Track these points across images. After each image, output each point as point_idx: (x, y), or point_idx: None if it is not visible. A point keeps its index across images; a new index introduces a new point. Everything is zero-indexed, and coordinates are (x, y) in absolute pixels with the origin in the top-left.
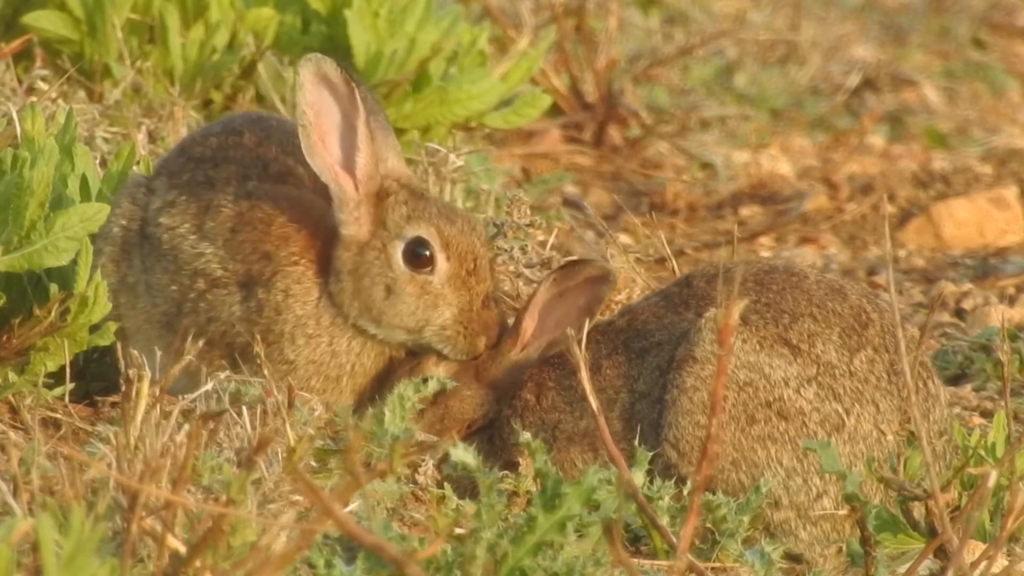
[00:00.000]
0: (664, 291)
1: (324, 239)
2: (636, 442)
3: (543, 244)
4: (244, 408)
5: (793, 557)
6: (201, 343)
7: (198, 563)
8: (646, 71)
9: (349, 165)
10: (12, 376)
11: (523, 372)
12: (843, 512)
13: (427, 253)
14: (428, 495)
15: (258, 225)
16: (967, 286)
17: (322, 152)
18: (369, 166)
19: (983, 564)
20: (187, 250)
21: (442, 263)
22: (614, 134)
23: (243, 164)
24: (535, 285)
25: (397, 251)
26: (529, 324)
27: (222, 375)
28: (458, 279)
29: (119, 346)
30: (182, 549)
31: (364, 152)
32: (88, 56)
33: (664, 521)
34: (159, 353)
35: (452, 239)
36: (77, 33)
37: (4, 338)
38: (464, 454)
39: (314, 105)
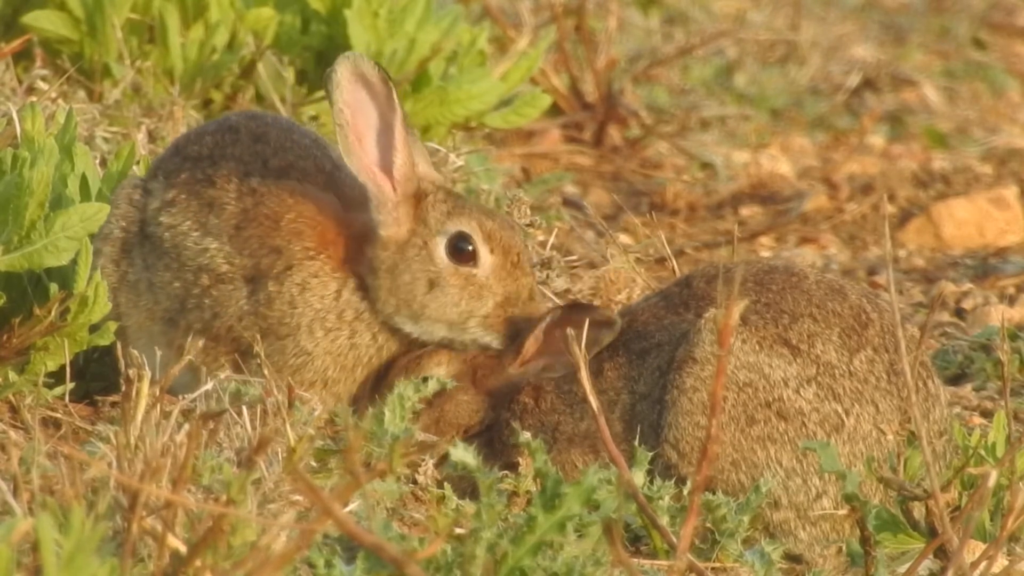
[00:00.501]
0: (664, 292)
1: (340, 234)
2: (636, 443)
3: (543, 244)
4: (244, 408)
5: (793, 557)
6: (204, 342)
7: (198, 563)
8: (646, 71)
9: (386, 166)
10: (12, 376)
11: (517, 387)
12: (843, 512)
13: (470, 247)
14: (428, 495)
15: (264, 221)
16: (967, 286)
17: (359, 152)
18: (406, 167)
19: (983, 564)
20: (190, 247)
21: (485, 256)
22: (614, 134)
23: (242, 160)
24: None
25: (439, 246)
26: (532, 344)
27: (222, 375)
28: (503, 271)
29: (119, 346)
30: (182, 549)
31: (402, 152)
32: (88, 56)
33: (664, 521)
34: (159, 353)
35: (494, 232)
36: (77, 33)
37: (4, 338)
38: (464, 454)
39: (351, 104)
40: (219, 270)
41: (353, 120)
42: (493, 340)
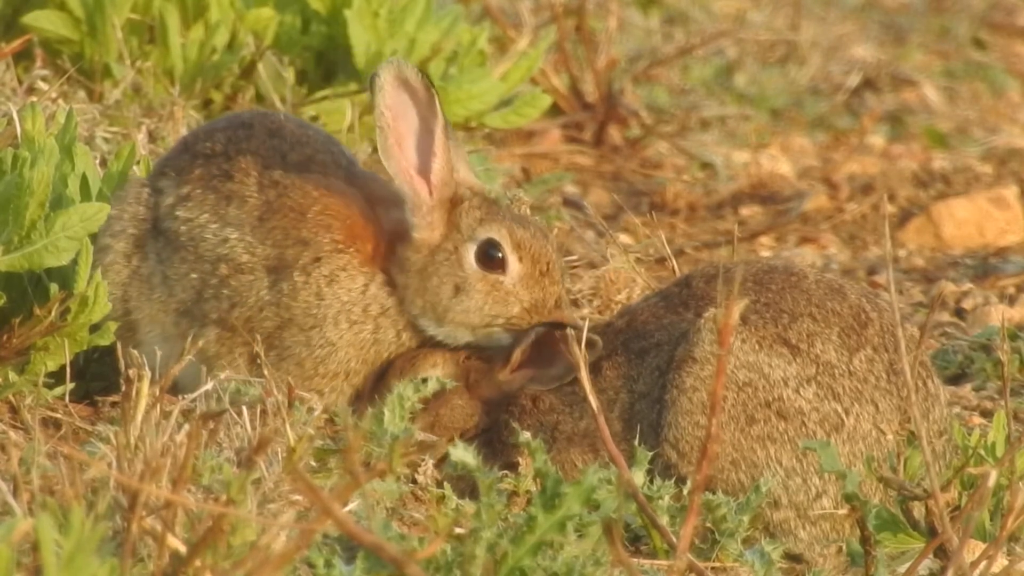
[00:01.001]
0: (663, 291)
1: (368, 229)
2: (636, 442)
3: None
4: (244, 408)
5: (793, 557)
6: (219, 332)
7: (198, 563)
8: (646, 71)
9: (424, 170)
10: (12, 376)
11: (508, 396)
12: (843, 512)
13: (499, 255)
14: (428, 495)
15: (289, 212)
16: (967, 286)
17: (398, 156)
18: (444, 172)
19: (983, 564)
20: (209, 238)
21: (514, 264)
22: (614, 134)
23: (259, 155)
24: None
25: (469, 253)
26: (520, 356)
27: (223, 375)
28: (531, 279)
29: (119, 346)
30: (182, 549)
31: (440, 158)
32: (88, 56)
33: (664, 521)
34: (171, 345)
35: (524, 241)
36: (77, 33)
37: (4, 338)
38: (464, 454)
39: (392, 108)
40: (239, 260)
41: (394, 123)
42: (508, 340)
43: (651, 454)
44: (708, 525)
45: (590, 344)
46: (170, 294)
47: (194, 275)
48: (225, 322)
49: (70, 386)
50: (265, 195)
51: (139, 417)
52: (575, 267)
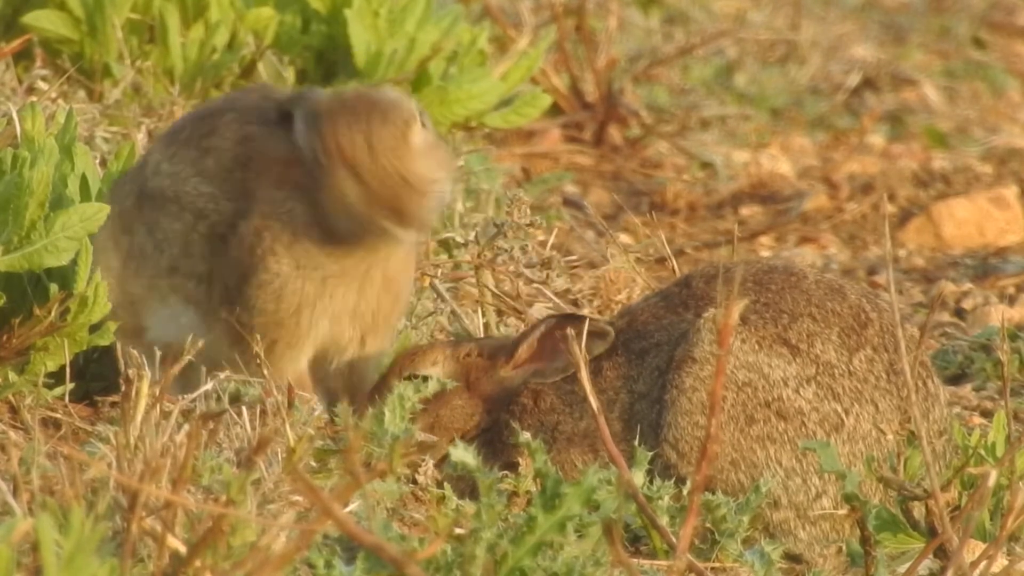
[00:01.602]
0: (663, 291)
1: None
2: (636, 442)
3: (543, 244)
4: (244, 408)
5: (793, 557)
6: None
7: (198, 563)
8: (646, 71)
9: None
10: (12, 376)
11: (509, 392)
12: (842, 512)
13: None
14: (428, 495)
15: (250, 164)
16: (967, 286)
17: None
18: None
19: (983, 564)
20: (189, 192)
21: None
22: (614, 134)
23: (243, 111)
24: (536, 286)
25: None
26: (526, 350)
27: (222, 375)
28: None
29: (119, 346)
30: (182, 549)
31: None
32: (88, 56)
33: (664, 521)
34: (159, 354)
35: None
36: (77, 33)
37: (4, 338)
38: (464, 454)
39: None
40: (210, 218)
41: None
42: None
43: (651, 454)
44: (708, 525)
45: (602, 334)
46: (160, 253)
47: (177, 225)
48: (204, 280)
49: (70, 386)
50: (236, 150)
51: (139, 417)
52: (575, 267)
